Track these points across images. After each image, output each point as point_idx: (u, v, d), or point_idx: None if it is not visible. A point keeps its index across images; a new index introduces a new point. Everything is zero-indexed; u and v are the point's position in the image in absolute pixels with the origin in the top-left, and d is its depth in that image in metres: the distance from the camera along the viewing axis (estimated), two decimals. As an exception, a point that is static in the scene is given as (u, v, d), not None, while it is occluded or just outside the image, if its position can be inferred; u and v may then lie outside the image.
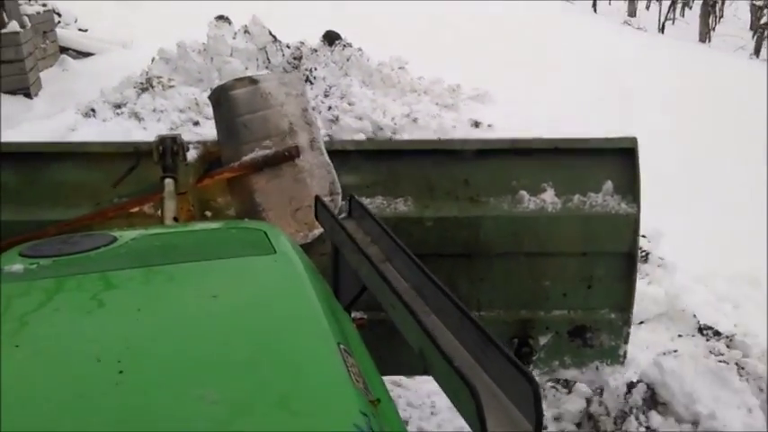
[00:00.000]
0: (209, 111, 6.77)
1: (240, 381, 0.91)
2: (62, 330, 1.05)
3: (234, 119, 2.23)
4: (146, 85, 6.95)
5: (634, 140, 2.35)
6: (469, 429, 0.91)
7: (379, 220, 1.54)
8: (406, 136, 6.11)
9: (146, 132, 6.21)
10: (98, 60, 8.87)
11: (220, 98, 2.27)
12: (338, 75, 7.11)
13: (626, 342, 2.44)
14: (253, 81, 2.26)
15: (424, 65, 7.33)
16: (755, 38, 14.08)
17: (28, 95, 7.22)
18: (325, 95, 6.83)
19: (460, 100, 7.09)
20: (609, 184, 2.35)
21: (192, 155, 2.26)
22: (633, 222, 2.33)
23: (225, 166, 2.26)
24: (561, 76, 8.12)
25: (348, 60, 7.23)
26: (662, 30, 14.77)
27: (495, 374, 0.99)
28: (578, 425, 2.90)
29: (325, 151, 2.31)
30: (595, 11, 15.71)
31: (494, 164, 2.37)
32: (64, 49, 8.86)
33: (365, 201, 2.27)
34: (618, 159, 2.37)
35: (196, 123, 6.58)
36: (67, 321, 1.08)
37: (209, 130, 6.28)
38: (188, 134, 6.00)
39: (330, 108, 6.64)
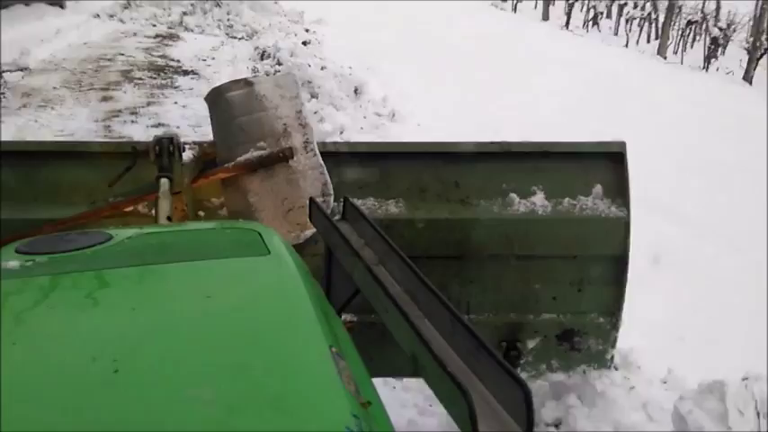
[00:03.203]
0: (164, 17, 12.57)
1: (232, 382, 0.92)
2: (57, 328, 1.06)
3: (230, 121, 2.23)
4: (127, 5, 14.45)
5: (623, 145, 2.39)
6: None
7: (374, 222, 1.54)
8: (268, 34, 11.70)
9: (125, 26, 12.98)
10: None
11: (216, 100, 2.28)
12: (239, 5, 14.51)
13: (613, 346, 2.46)
14: (248, 83, 2.26)
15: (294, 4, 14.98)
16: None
17: (61, 6, 13.73)
18: (228, 17, 13.89)
19: (307, 21, 13.89)
20: (598, 188, 2.38)
21: (188, 155, 2.26)
22: (623, 226, 2.36)
23: (220, 166, 2.27)
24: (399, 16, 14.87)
25: (249, -3, 15.14)
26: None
27: (486, 379, 1.00)
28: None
29: (318, 153, 2.32)
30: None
31: (484, 167, 2.40)
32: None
33: (356, 202, 2.27)
34: (607, 163, 2.40)
35: (153, 25, 13.20)
36: (62, 319, 1.09)
37: (162, 29, 12.98)
38: (149, 29, 12.76)
39: (229, 20, 13.62)
